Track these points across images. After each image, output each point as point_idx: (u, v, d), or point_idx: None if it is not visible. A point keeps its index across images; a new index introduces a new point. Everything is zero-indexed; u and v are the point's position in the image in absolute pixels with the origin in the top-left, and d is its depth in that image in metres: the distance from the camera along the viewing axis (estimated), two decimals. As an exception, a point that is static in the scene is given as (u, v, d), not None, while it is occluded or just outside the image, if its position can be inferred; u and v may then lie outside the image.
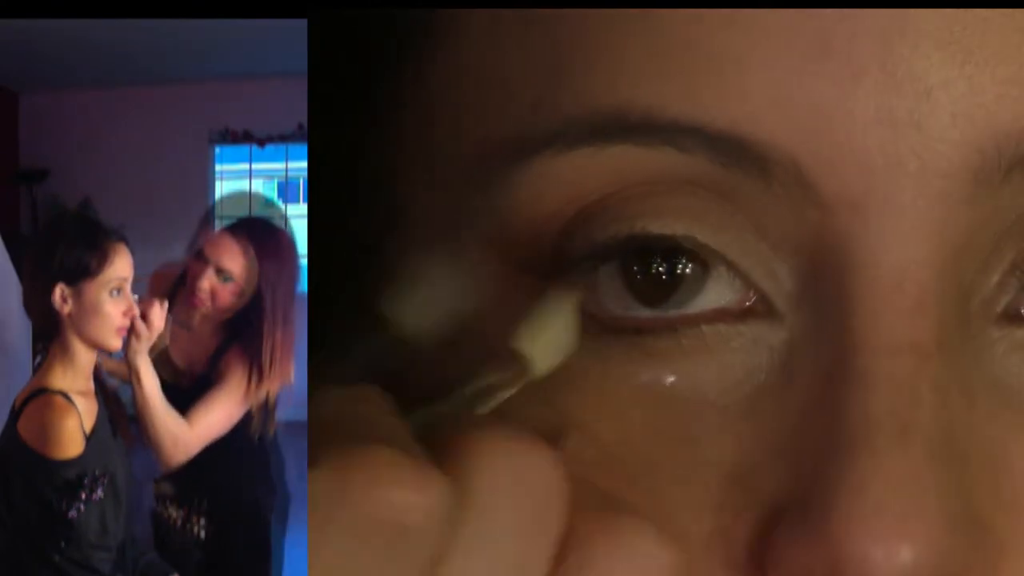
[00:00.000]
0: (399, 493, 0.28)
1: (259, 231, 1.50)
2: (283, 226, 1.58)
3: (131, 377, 1.36)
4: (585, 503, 0.31)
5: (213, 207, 1.59)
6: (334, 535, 0.28)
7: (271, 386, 1.49)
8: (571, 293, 0.35)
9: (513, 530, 0.29)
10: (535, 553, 0.30)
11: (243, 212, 1.56)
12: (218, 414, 1.45)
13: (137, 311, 1.29)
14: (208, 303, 1.48)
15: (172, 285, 1.57)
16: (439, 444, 0.30)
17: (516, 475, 0.30)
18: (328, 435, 0.30)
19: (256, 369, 1.46)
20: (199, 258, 1.47)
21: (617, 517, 0.31)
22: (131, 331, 1.29)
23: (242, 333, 1.49)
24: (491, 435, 0.30)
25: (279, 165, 4.94)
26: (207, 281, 1.46)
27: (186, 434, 1.40)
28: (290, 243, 1.54)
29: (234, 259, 1.46)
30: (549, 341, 0.34)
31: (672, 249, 0.34)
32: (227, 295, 1.48)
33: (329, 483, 0.28)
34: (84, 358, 1.26)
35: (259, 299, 1.47)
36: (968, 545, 0.30)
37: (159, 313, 1.33)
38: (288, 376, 1.51)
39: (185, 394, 1.44)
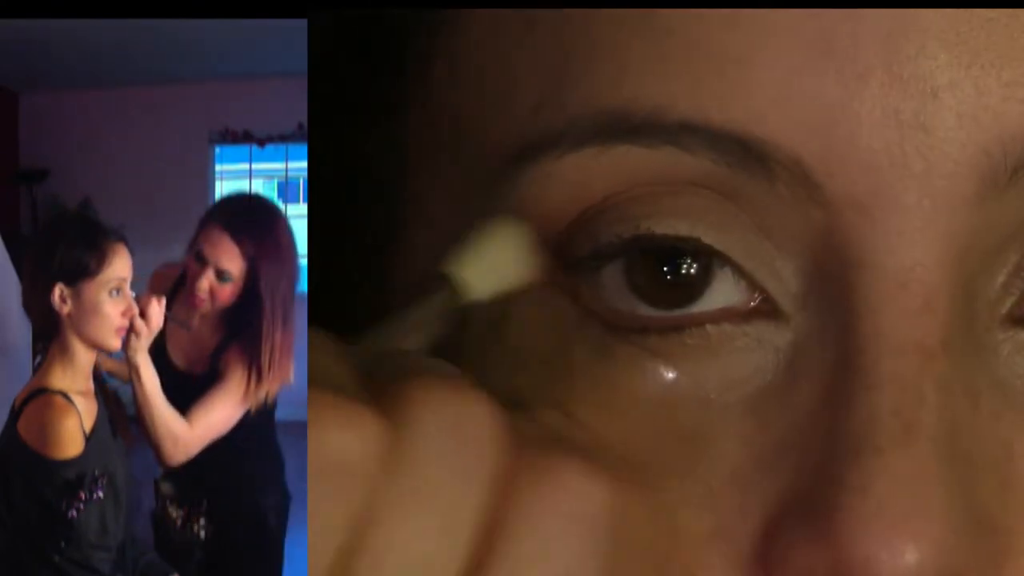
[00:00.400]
0: (335, 433, 0.29)
1: (259, 231, 1.49)
2: (284, 223, 1.57)
3: (131, 375, 1.35)
4: (521, 446, 0.31)
5: (215, 208, 1.56)
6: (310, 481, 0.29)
7: (271, 386, 1.49)
8: (516, 223, 0.35)
9: (448, 476, 0.30)
10: (469, 500, 0.30)
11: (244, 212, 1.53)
12: (218, 414, 1.45)
13: (136, 310, 1.29)
14: (208, 304, 1.48)
15: (172, 285, 1.57)
16: (379, 387, 0.30)
17: (452, 421, 0.30)
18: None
19: (256, 369, 1.46)
20: (198, 259, 1.47)
21: (543, 459, 0.31)
22: (130, 329, 1.29)
23: (241, 332, 1.49)
24: (429, 380, 0.30)
25: (279, 165, 4.94)
26: (206, 281, 1.46)
27: (186, 434, 1.40)
28: (290, 243, 1.53)
29: (233, 260, 1.45)
30: (486, 266, 0.34)
31: (677, 249, 0.34)
32: (226, 296, 1.48)
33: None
34: (84, 358, 1.26)
35: (259, 300, 1.47)
36: (972, 545, 0.30)
37: (157, 310, 1.33)
38: (288, 376, 1.51)
39: (185, 393, 1.44)
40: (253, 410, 1.49)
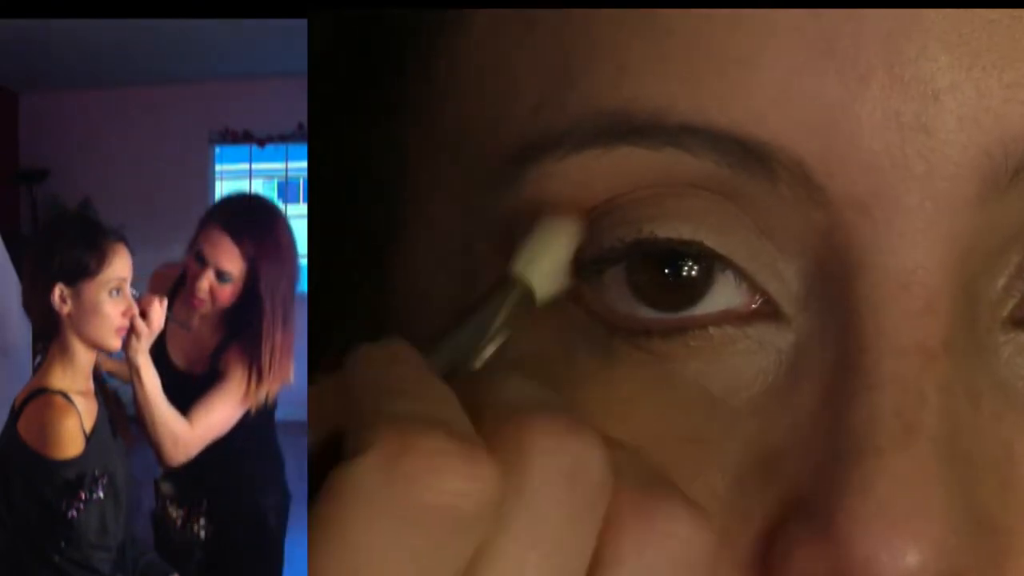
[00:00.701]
0: (452, 480, 0.27)
1: (258, 232, 1.49)
2: (284, 223, 1.57)
3: (131, 375, 1.35)
4: (618, 488, 0.30)
5: (215, 208, 1.55)
6: (382, 520, 0.27)
7: (271, 387, 1.49)
8: (571, 219, 0.34)
9: (562, 523, 0.29)
10: (581, 547, 0.29)
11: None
12: (218, 414, 1.45)
13: (136, 310, 1.29)
14: (207, 305, 1.48)
15: (172, 285, 1.57)
16: (491, 427, 0.29)
17: (569, 469, 0.29)
18: (369, 399, 0.29)
19: (256, 369, 1.46)
20: (198, 259, 1.47)
21: (649, 501, 0.30)
22: (131, 329, 1.29)
23: (241, 332, 1.49)
24: (546, 424, 0.29)
25: (279, 165, 4.95)
26: (206, 282, 1.46)
27: (187, 434, 1.40)
28: (290, 243, 1.53)
29: (233, 261, 1.45)
30: (547, 266, 0.34)
31: (678, 252, 0.33)
32: (226, 296, 1.48)
33: (382, 469, 0.27)
34: (84, 358, 1.26)
35: (259, 300, 1.47)
36: (973, 546, 0.30)
37: (158, 311, 1.33)
38: (288, 376, 1.51)
39: (185, 393, 1.44)
40: (253, 410, 1.49)
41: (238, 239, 1.45)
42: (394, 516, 0.27)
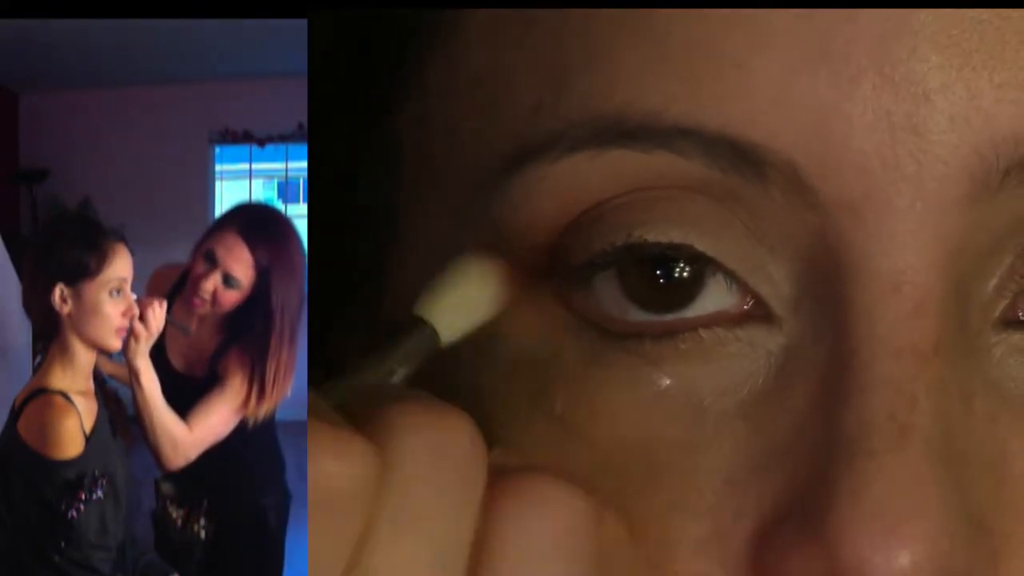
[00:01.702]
0: (326, 461, 0.29)
1: (275, 246, 1.47)
2: (299, 241, 1.55)
3: (131, 379, 1.35)
4: (500, 469, 0.31)
5: (233, 212, 1.52)
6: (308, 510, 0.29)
7: (271, 404, 1.48)
8: (481, 259, 0.35)
9: (436, 498, 0.30)
10: (457, 521, 0.31)
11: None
12: (217, 418, 1.44)
13: (137, 311, 1.28)
14: (207, 306, 1.46)
15: (172, 286, 1.56)
16: (364, 416, 0.31)
17: (436, 444, 0.30)
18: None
19: (258, 382, 1.44)
20: (207, 259, 1.45)
21: (527, 477, 0.31)
22: (130, 332, 1.29)
23: (242, 337, 1.48)
24: (412, 406, 0.31)
25: (279, 165, 4.95)
26: (211, 283, 1.44)
27: (186, 438, 1.40)
28: (303, 262, 1.51)
29: (244, 268, 1.44)
30: (456, 308, 0.35)
31: (669, 255, 0.34)
32: (229, 301, 1.46)
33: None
34: (84, 358, 1.26)
35: (269, 315, 1.45)
36: (967, 547, 0.30)
37: (158, 314, 1.33)
38: (287, 393, 1.50)
39: (183, 396, 1.44)
40: (251, 423, 1.48)
41: (253, 247, 1.44)
42: (311, 502, 0.29)
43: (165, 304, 1.35)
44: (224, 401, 1.45)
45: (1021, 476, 0.32)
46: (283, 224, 1.56)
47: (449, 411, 0.31)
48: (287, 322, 1.46)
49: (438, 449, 0.30)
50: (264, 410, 1.47)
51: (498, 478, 0.31)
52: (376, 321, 0.40)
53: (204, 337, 1.53)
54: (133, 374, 1.34)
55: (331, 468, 0.29)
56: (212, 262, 1.44)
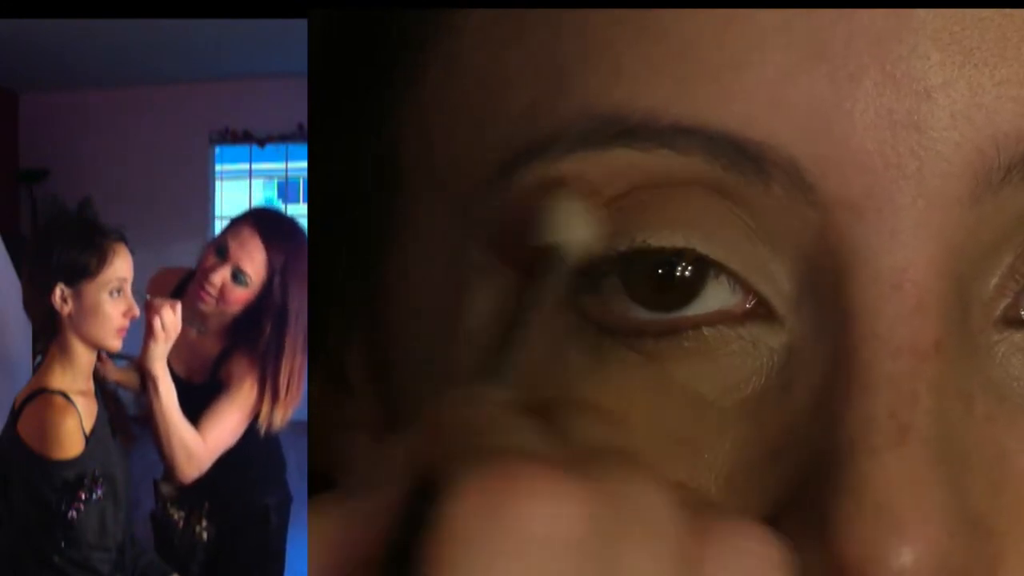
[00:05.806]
0: (545, 504, 0.27)
1: (290, 250, 1.47)
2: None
3: (147, 386, 1.33)
4: (693, 517, 0.29)
5: (250, 212, 1.51)
6: (487, 554, 0.26)
7: (286, 411, 1.47)
8: (577, 193, 0.34)
9: (644, 559, 0.28)
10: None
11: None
12: (228, 426, 1.43)
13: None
14: (213, 301, 1.45)
15: (173, 289, 1.55)
16: (571, 465, 0.28)
17: (643, 514, 0.28)
18: (460, 440, 0.29)
19: (271, 389, 1.43)
20: (219, 252, 1.44)
21: (718, 522, 0.29)
22: (148, 335, 1.28)
23: (248, 339, 1.46)
24: (624, 473, 0.28)
25: (279, 165, 4.95)
26: (220, 277, 1.43)
27: (200, 448, 1.38)
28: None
29: (256, 264, 1.43)
30: (577, 231, 0.33)
31: (671, 259, 0.33)
32: (235, 299, 1.45)
33: (481, 503, 0.27)
34: (84, 358, 1.26)
35: (284, 318, 1.44)
36: (968, 546, 0.30)
37: (174, 316, 1.31)
38: (299, 401, 1.48)
39: (185, 401, 1.42)
40: (263, 430, 1.47)
41: (268, 247, 1.43)
42: (496, 549, 0.27)
43: (179, 306, 1.34)
44: (234, 408, 1.43)
45: (1020, 475, 0.32)
46: (299, 232, 1.55)
47: (649, 477, 0.29)
48: (300, 329, 1.45)
49: (644, 519, 0.28)
50: (279, 416, 1.46)
51: (696, 521, 0.29)
52: (376, 321, 0.40)
53: (207, 342, 1.52)
54: (151, 381, 1.31)
55: (550, 511, 0.27)
56: (223, 256, 1.43)
